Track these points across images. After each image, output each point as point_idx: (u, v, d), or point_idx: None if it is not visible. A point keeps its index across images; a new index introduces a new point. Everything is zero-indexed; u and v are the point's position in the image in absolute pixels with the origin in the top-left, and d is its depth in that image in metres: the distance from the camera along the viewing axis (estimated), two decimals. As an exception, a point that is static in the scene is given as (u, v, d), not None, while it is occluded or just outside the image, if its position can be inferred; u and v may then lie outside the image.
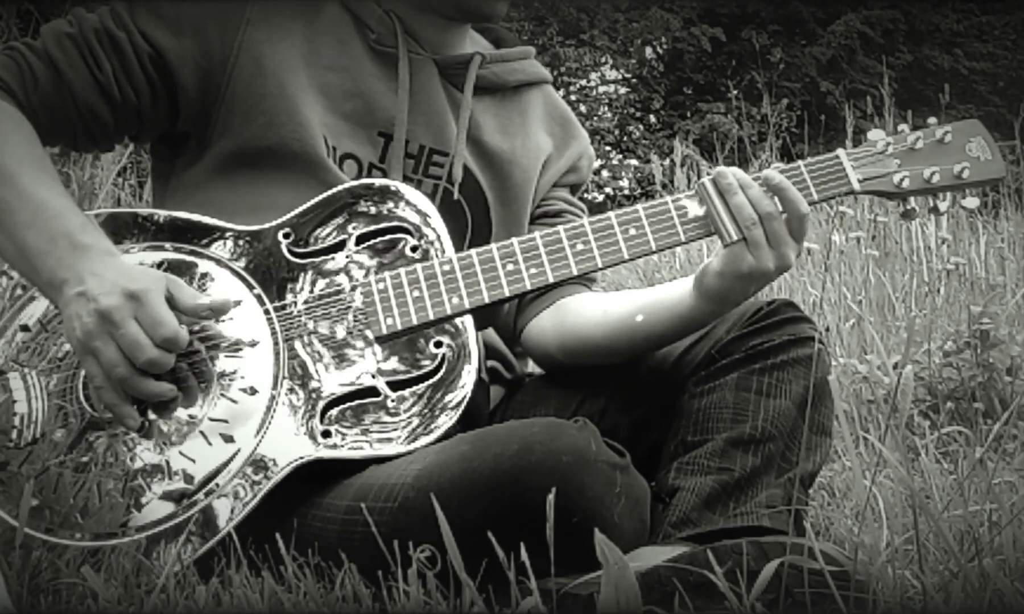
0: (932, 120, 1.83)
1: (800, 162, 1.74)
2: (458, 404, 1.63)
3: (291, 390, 1.64)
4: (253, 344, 1.66)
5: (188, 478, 1.58)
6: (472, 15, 1.88)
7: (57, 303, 1.62)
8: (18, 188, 1.64)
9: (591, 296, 1.90)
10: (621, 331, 1.80)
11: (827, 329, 3.80)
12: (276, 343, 1.67)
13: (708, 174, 1.72)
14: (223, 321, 1.66)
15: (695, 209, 1.72)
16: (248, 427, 1.61)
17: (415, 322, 1.67)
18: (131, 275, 1.59)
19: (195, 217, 1.75)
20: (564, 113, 2.05)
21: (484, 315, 1.77)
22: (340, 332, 1.67)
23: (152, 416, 1.61)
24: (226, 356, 1.65)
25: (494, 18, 1.89)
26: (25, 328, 1.69)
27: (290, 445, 1.60)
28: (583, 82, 13.41)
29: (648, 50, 13.61)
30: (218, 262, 1.72)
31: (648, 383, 1.80)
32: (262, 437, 1.60)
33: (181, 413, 1.62)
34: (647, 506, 1.57)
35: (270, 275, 1.71)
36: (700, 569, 1.38)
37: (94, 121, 1.76)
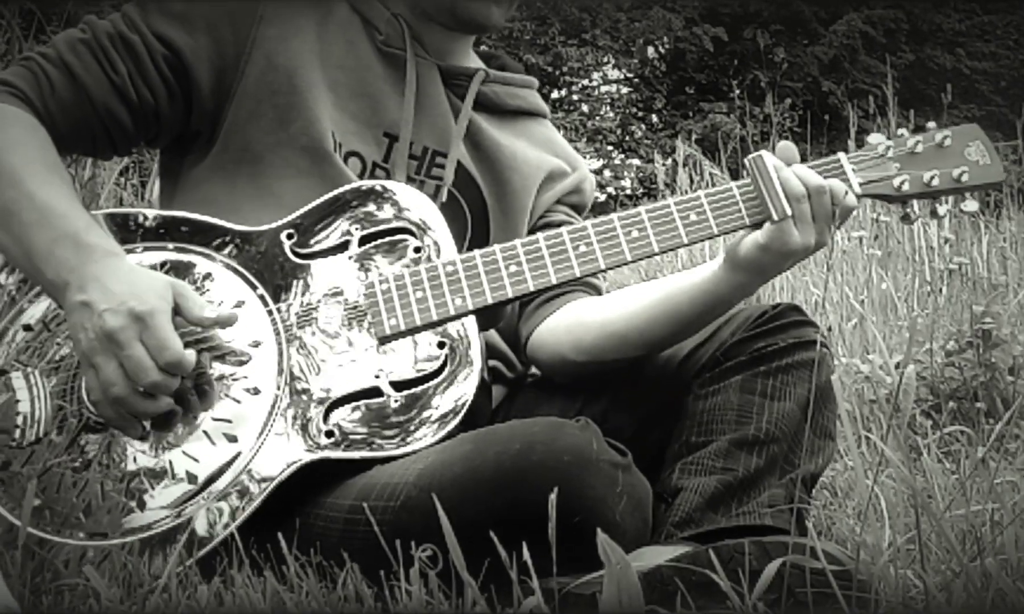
0: (931, 124, 1.84)
1: (802, 164, 1.75)
2: (461, 405, 1.63)
3: (294, 391, 1.64)
4: (256, 344, 1.67)
5: (192, 478, 1.58)
6: (466, 24, 1.88)
7: (61, 305, 1.62)
8: (26, 190, 1.64)
9: (606, 295, 1.90)
10: (644, 318, 1.78)
11: (829, 329, 3.80)
12: (279, 343, 1.67)
13: (752, 154, 1.72)
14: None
15: (696, 212, 1.73)
16: (251, 427, 1.61)
17: (418, 323, 1.67)
18: (137, 292, 1.58)
19: (198, 217, 1.75)
20: (564, 145, 2.05)
21: (487, 316, 1.77)
22: (343, 332, 1.68)
23: (150, 429, 1.61)
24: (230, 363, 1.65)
25: (489, 28, 1.90)
26: (28, 328, 1.69)
27: (293, 446, 1.60)
28: (585, 82, 13.41)
29: (650, 50, 13.61)
30: (220, 262, 1.72)
31: (652, 384, 1.80)
32: (265, 437, 1.61)
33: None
34: (649, 506, 1.57)
35: (273, 275, 1.72)
36: (702, 569, 1.38)
37: (113, 124, 1.77)
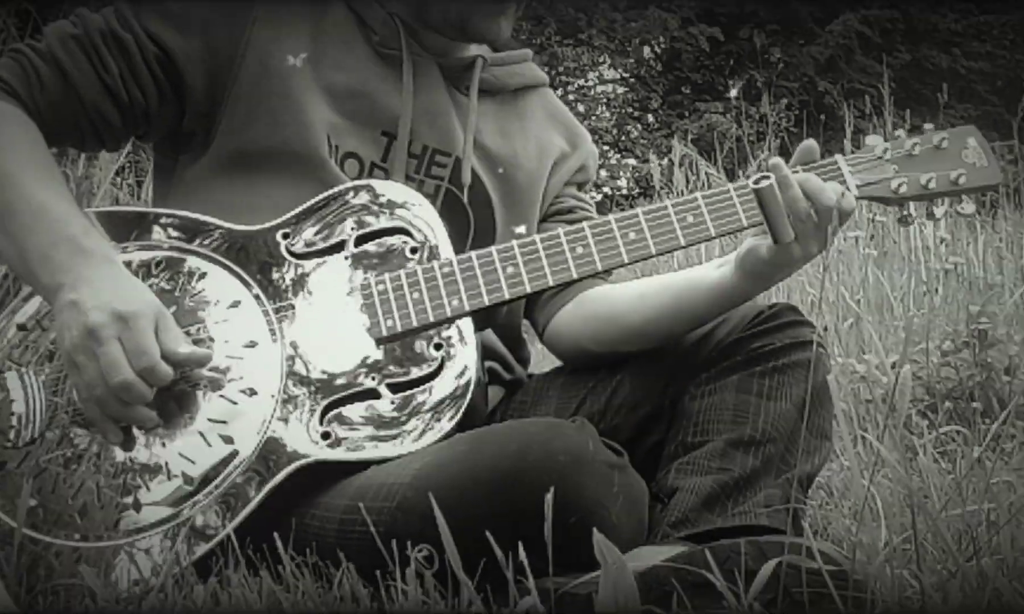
0: (928, 126, 1.84)
1: (800, 167, 1.74)
2: (457, 406, 1.63)
3: (290, 392, 1.64)
4: (252, 345, 1.66)
5: (187, 479, 1.58)
6: (476, 40, 1.88)
7: (53, 307, 1.62)
8: (21, 191, 1.64)
9: (622, 284, 1.90)
10: (660, 314, 1.79)
11: (825, 329, 3.80)
12: (275, 344, 1.67)
13: (757, 173, 1.69)
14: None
15: (693, 213, 1.73)
16: (247, 428, 1.61)
17: (415, 324, 1.67)
18: (125, 295, 1.58)
19: (194, 216, 1.75)
20: (566, 115, 2.05)
21: (483, 317, 1.77)
22: (340, 333, 1.67)
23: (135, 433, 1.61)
24: (223, 367, 1.65)
25: (498, 41, 1.89)
26: (22, 327, 1.69)
27: (289, 447, 1.60)
28: (581, 82, 13.39)
29: (646, 49, 13.59)
30: (216, 261, 1.72)
31: (649, 384, 1.80)
32: (261, 438, 1.60)
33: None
34: (645, 506, 1.58)
35: (269, 275, 1.71)
36: (698, 569, 1.38)
37: (101, 122, 1.76)
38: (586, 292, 1.88)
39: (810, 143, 1.76)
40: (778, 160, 1.69)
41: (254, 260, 1.72)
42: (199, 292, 1.70)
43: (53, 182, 1.68)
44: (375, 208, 1.76)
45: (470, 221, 1.87)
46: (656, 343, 1.81)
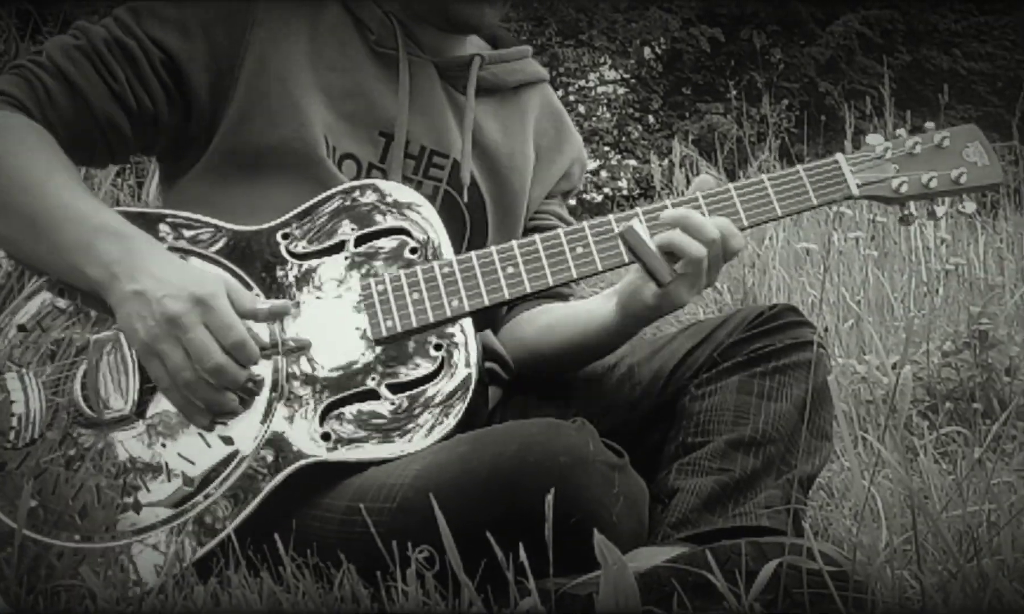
0: (930, 125, 1.84)
1: (799, 166, 1.75)
2: (457, 407, 1.63)
3: (291, 392, 1.64)
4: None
5: (187, 479, 1.58)
6: (459, 27, 1.88)
7: (108, 299, 1.60)
8: (50, 196, 1.63)
9: (539, 310, 1.91)
10: (564, 348, 1.84)
11: (826, 329, 3.80)
12: (276, 344, 1.66)
13: (621, 221, 1.69)
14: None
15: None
16: (247, 429, 1.61)
17: (415, 324, 1.67)
18: (193, 277, 1.59)
19: (193, 216, 1.75)
20: (560, 113, 2.04)
21: (483, 317, 1.77)
22: (339, 334, 1.67)
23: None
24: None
25: (481, 29, 1.90)
26: (22, 328, 1.68)
27: (290, 447, 1.60)
28: (582, 83, 13.39)
29: (647, 50, 13.59)
30: (217, 262, 1.72)
31: (649, 385, 1.80)
32: (262, 439, 1.60)
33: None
34: (645, 506, 1.58)
35: (269, 276, 1.71)
36: (699, 569, 1.38)
37: (112, 131, 1.75)
38: (523, 313, 1.90)
39: (704, 178, 1.75)
40: (639, 209, 1.70)
41: (254, 260, 1.72)
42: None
43: (78, 185, 1.67)
44: (375, 208, 1.75)
45: (466, 222, 1.88)
46: (556, 370, 1.86)
